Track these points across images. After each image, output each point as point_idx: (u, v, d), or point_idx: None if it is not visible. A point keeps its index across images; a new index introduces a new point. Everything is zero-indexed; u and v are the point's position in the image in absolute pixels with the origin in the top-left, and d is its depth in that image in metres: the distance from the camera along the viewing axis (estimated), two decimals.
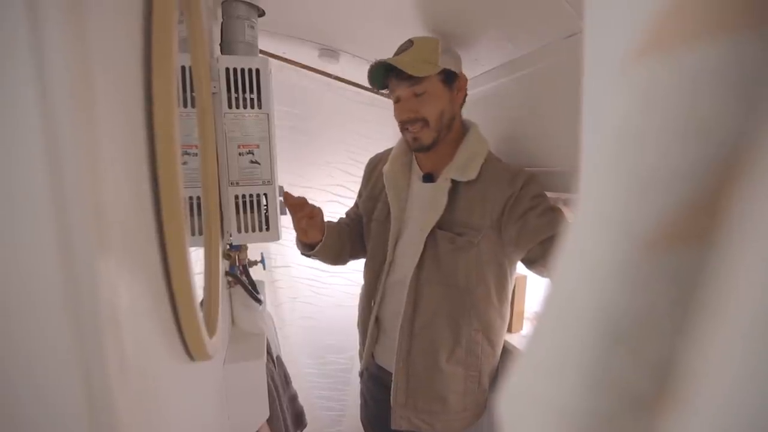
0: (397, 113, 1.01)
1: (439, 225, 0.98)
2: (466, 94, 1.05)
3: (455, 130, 1.03)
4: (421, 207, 1.04)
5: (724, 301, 0.12)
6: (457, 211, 0.98)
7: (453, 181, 0.97)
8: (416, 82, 0.96)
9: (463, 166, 0.98)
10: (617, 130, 0.13)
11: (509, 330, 1.19)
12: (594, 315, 0.14)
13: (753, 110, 0.11)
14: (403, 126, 1.02)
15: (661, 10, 0.12)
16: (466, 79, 1.02)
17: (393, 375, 1.04)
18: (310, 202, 1.05)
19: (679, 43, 0.11)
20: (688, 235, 0.12)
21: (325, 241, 1.10)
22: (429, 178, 1.05)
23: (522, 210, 0.92)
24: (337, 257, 1.20)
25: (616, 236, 0.14)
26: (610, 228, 0.14)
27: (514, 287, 1.15)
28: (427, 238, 0.98)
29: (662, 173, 0.12)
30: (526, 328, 1.23)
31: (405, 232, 1.06)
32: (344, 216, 1.29)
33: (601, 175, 0.14)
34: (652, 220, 0.13)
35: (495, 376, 1.09)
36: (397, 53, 1.00)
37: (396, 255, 1.07)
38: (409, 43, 0.99)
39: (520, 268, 1.23)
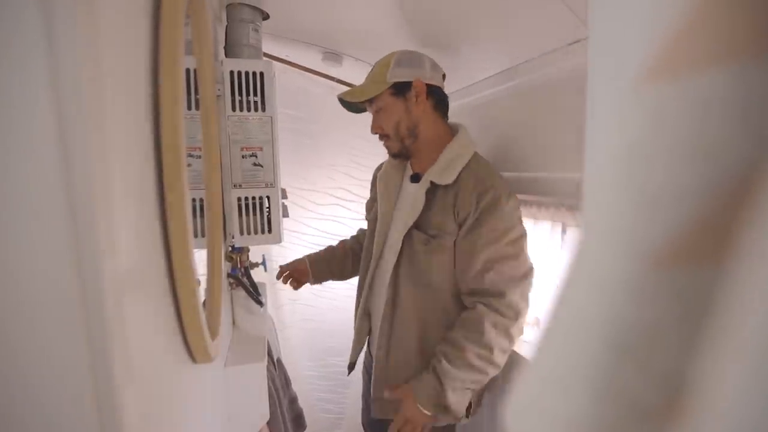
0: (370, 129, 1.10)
1: (417, 225, 1.01)
2: (442, 96, 1.06)
3: (434, 134, 1.05)
4: (405, 207, 1.07)
5: (731, 319, 0.12)
6: (433, 214, 1.00)
7: (432, 184, 1.00)
8: (373, 102, 1.04)
9: (443, 169, 1.00)
10: (626, 148, 0.13)
11: None
12: (601, 327, 0.14)
13: (760, 135, 0.11)
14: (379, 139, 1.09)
15: (671, 33, 0.12)
16: (423, 84, 1.01)
17: (373, 368, 1.09)
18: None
19: (689, 68, 0.12)
20: (694, 255, 0.13)
21: (317, 278, 1.28)
22: (416, 178, 1.08)
23: (474, 244, 0.95)
24: (339, 278, 1.34)
25: (624, 252, 0.14)
26: (618, 243, 0.14)
27: None
28: (405, 237, 1.02)
29: (670, 193, 0.12)
30: (527, 332, 1.23)
31: (392, 230, 1.10)
32: (353, 234, 1.38)
33: (609, 190, 0.14)
34: (659, 237, 0.13)
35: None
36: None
37: (384, 252, 1.11)
38: (372, 68, 1.07)
39: None
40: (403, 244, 1.02)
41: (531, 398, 0.17)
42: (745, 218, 0.12)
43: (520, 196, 1.17)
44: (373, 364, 1.09)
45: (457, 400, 0.94)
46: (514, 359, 1.13)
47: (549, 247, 1.12)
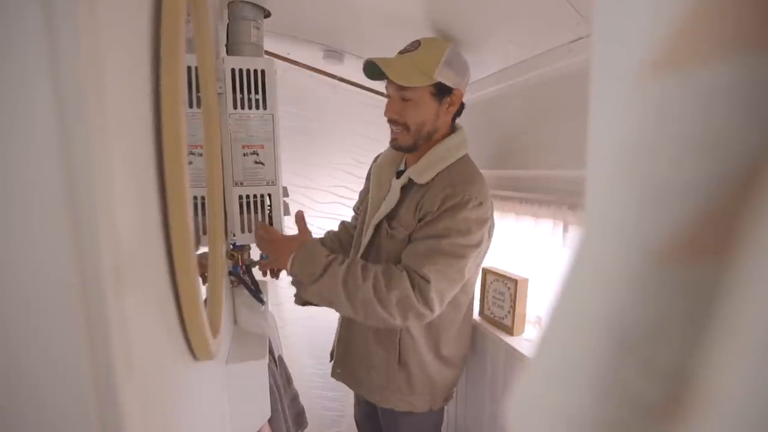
0: (385, 110, 1.03)
1: (387, 218, 1.04)
2: (461, 106, 1.05)
3: (440, 135, 1.04)
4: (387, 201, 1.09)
5: (736, 315, 0.12)
6: (402, 208, 1.02)
7: (410, 180, 1.01)
8: (405, 87, 0.97)
9: (423, 168, 1.00)
10: (630, 141, 0.13)
11: (511, 333, 1.18)
12: (604, 323, 0.14)
13: (765, 128, 0.11)
14: (389, 123, 1.04)
15: (676, 25, 0.12)
16: (462, 94, 1.01)
17: (335, 340, 1.19)
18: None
19: (694, 60, 0.12)
20: (700, 249, 0.12)
21: None
22: (401, 174, 1.09)
23: (423, 234, 0.95)
24: None
25: (628, 246, 0.14)
26: (622, 238, 0.14)
27: (516, 290, 1.15)
28: (376, 227, 1.05)
29: (675, 186, 0.12)
30: (528, 331, 1.23)
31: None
32: (341, 224, 1.36)
33: (612, 184, 0.14)
34: (664, 232, 0.13)
35: (439, 377, 1.11)
36: (401, 51, 1.01)
37: None
38: (416, 44, 0.99)
39: (521, 269, 1.22)
40: (374, 233, 1.06)
41: (533, 394, 0.17)
42: (750, 212, 0.11)
43: (521, 195, 1.17)
44: (335, 339, 1.17)
45: (307, 284, 0.95)
46: (515, 356, 1.13)
47: (550, 246, 1.12)
